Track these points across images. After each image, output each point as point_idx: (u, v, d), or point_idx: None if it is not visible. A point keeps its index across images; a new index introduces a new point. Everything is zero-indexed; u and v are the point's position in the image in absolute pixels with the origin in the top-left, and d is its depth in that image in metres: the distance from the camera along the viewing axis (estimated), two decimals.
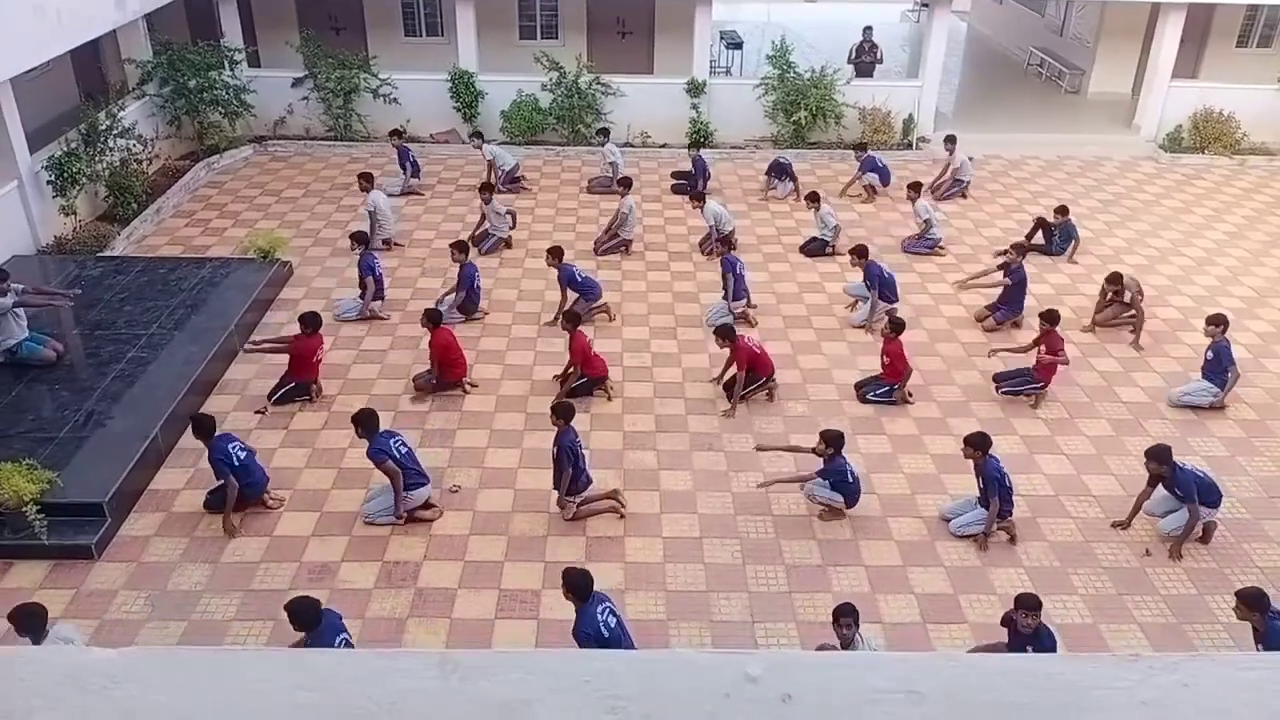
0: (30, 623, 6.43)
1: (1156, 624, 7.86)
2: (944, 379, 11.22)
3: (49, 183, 13.39)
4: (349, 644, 6.76)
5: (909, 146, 18.33)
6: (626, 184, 14.57)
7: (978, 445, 8.57)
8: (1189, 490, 8.39)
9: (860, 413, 10.41)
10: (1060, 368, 10.70)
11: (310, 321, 10.34)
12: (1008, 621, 7.09)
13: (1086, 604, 8.05)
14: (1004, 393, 10.68)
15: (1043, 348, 10.62)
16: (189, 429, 8.94)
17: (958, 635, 7.66)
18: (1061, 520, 9.01)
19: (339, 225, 14.62)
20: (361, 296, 12.10)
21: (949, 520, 8.82)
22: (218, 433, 8.78)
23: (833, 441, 8.71)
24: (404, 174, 15.98)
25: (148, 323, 11.33)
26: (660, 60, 20.05)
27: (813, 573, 8.28)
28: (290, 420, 10.18)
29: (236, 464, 8.61)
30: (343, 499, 9.02)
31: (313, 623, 6.60)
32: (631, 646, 6.93)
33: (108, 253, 13.43)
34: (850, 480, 8.77)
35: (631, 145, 18.06)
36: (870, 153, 16.32)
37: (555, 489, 8.83)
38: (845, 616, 6.86)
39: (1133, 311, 12.07)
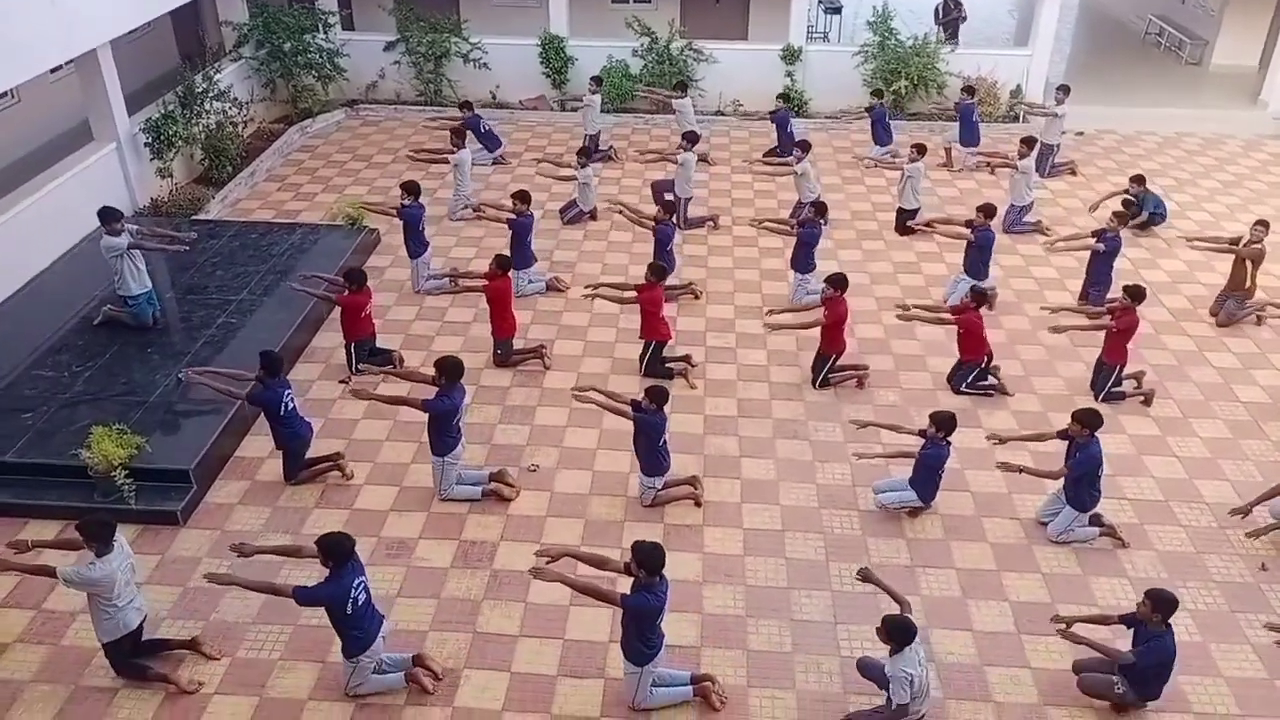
0: (101, 533, 6.51)
1: (1272, 647, 7.32)
2: (1046, 370, 10.65)
3: (146, 145, 13.60)
4: (366, 589, 6.60)
5: (1015, 119, 17.46)
6: (692, 139, 13.94)
7: (1087, 423, 7.98)
8: None
9: (955, 404, 9.91)
10: (1130, 348, 9.95)
11: (355, 278, 10.19)
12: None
13: (1195, 620, 7.53)
14: (1104, 400, 10.02)
15: (1112, 319, 9.89)
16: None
17: (1055, 648, 7.23)
18: (1171, 528, 8.46)
19: (428, 192, 14.50)
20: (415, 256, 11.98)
21: (1046, 524, 8.37)
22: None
23: (943, 424, 8.29)
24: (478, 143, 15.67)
25: (238, 288, 11.44)
26: (755, 26, 19.51)
27: (900, 574, 7.91)
28: (372, 390, 10.14)
29: (283, 412, 8.66)
30: (422, 474, 8.96)
31: (343, 559, 6.48)
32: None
33: (202, 215, 13.62)
34: (938, 474, 8.38)
35: (723, 114, 17.59)
36: (969, 101, 15.61)
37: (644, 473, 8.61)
38: (883, 631, 6.39)
39: (1252, 300, 11.39)
